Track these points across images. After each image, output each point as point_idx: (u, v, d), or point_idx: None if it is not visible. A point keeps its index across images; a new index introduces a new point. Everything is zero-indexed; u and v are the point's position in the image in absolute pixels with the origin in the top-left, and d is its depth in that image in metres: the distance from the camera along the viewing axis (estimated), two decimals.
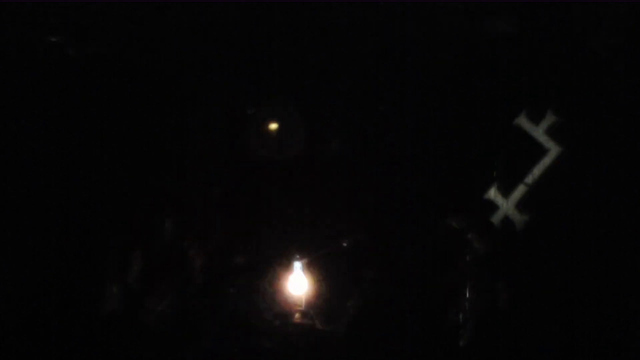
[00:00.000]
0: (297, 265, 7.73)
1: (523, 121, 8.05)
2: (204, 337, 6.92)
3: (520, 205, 8.05)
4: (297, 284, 7.69)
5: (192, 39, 7.76)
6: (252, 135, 8.35)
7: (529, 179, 8.00)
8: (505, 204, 8.07)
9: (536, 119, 8.04)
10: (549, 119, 7.99)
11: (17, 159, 7.42)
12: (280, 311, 7.60)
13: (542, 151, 8.02)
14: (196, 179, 8.75)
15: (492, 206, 8.09)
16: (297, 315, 7.58)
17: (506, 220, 8.08)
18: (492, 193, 8.09)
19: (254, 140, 8.35)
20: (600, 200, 7.72)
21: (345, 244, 7.95)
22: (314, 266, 7.73)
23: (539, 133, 8.01)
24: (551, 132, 7.98)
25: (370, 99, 8.28)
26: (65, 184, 7.62)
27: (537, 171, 8.00)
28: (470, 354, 7.35)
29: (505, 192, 8.08)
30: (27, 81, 7.39)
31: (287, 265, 7.72)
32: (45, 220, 7.50)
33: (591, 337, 7.41)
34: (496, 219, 8.05)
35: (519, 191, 8.06)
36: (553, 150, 7.98)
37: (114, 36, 7.70)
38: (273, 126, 8.47)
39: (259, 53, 8.12)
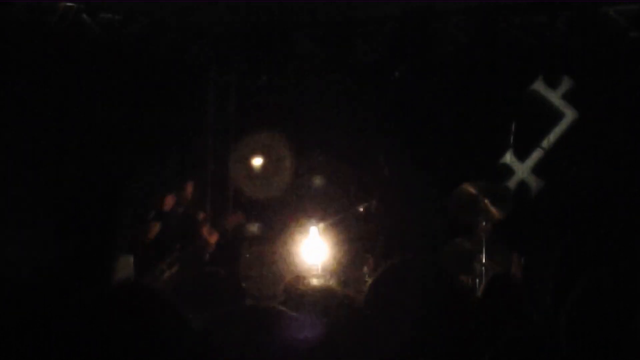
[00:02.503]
0: (314, 231, 7.72)
1: (540, 86, 8.00)
2: (216, 304, 6.96)
3: (536, 169, 8.02)
4: (314, 249, 7.69)
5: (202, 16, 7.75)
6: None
7: (545, 143, 7.95)
8: (521, 168, 8.03)
9: (553, 84, 7.99)
10: (565, 84, 7.93)
11: (31, 128, 7.44)
12: (296, 276, 7.61)
13: (558, 116, 7.97)
14: (212, 147, 8.80)
15: (509, 171, 8.06)
16: (313, 280, 7.59)
17: (522, 184, 8.05)
18: (509, 158, 8.06)
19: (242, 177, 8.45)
20: (616, 164, 7.66)
21: (361, 209, 7.95)
22: (331, 231, 7.73)
23: (555, 98, 7.96)
24: (568, 97, 7.92)
25: (387, 65, 8.27)
26: (80, 153, 7.64)
27: (553, 136, 7.95)
28: (483, 320, 7.34)
29: (522, 156, 8.05)
30: (42, 46, 7.37)
31: (303, 231, 7.73)
32: (59, 186, 7.53)
33: (606, 304, 7.35)
34: (512, 183, 8.03)
35: (535, 156, 8.02)
36: (569, 115, 7.93)
37: (128, 4, 7.69)
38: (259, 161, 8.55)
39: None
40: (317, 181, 8.46)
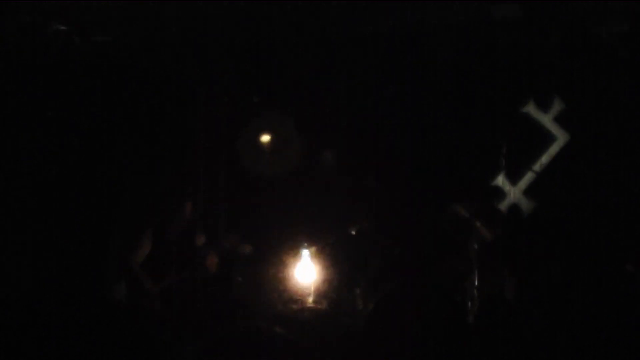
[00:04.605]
0: (305, 253, 7.71)
1: (531, 109, 8.03)
2: (210, 327, 6.93)
3: (528, 192, 8.04)
4: (305, 272, 7.68)
5: (194, 35, 7.76)
6: (247, 150, 8.38)
7: (537, 166, 7.98)
8: (513, 191, 8.05)
9: (544, 107, 8.02)
10: (557, 107, 7.96)
11: (27, 140, 7.44)
12: (289, 299, 7.59)
13: (550, 139, 8.01)
14: (203, 166, 8.77)
15: (500, 193, 8.08)
16: (305, 303, 7.57)
17: (514, 207, 8.07)
18: (500, 180, 8.08)
19: (250, 155, 8.38)
20: (608, 187, 7.69)
21: (353, 232, 7.94)
22: (322, 254, 7.72)
23: (547, 121, 7.99)
24: (559, 120, 7.96)
25: (376, 85, 8.27)
26: (78, 166, 7.63)
27: (545, 158, 7.98)
28: (476, 342, 7.32)
29: (513, 179, 8.07)
30: (33, 69, 7.38)
31: (294, 254, 7.71)
32: (56, 200, 7.52)
33: (598, 326, 7.36)
34: (504, 206, 8.04)
35: (527, 178, 8.04)
36: (561, 137, 7.95)
37: (119, 26, 7.70)
38: (267, 138, 8.50)
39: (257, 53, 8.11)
40: (328, 155, 8.43)
